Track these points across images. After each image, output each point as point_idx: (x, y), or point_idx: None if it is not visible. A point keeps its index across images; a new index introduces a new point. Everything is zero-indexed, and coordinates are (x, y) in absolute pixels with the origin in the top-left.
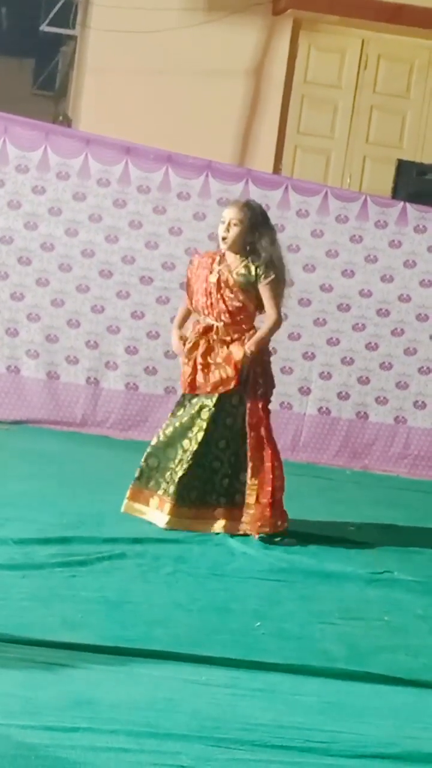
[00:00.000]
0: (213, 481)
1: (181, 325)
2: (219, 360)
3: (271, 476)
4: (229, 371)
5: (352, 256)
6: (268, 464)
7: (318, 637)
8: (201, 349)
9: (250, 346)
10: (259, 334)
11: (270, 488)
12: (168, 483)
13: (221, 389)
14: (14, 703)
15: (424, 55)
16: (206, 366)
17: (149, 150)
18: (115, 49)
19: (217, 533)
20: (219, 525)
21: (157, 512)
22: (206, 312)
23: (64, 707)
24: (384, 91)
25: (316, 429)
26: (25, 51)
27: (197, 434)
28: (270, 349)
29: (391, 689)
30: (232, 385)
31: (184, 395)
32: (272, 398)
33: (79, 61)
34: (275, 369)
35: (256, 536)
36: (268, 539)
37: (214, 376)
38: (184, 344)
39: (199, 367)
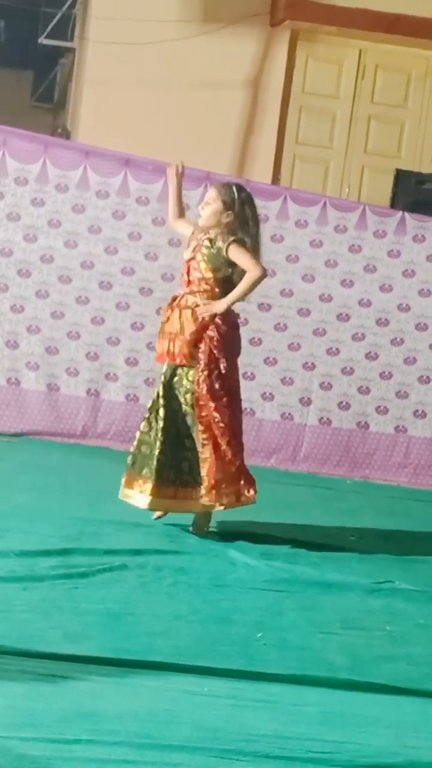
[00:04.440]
0: (181, 458)
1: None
2: (177, 330)
3: (214, 455)
4: (180, 343)
5: (351, 266)
6: (216, 441)
7: (319, 647)
8: (170, 320)
9: (217, 305)
10: (234, 292)
11: (215, 469)
12: (150, 465)
13: (182, 360)
14: (15, 716)
15: (422, 64)
16: (170, 335)
17: (148, 161)
18: (113, 61)
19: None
20: (190, 504)
21: (140, 495)
22: (182, 281)
23: (65, 719)
24: (382, 101)
25: (317, 439)
26: (24, 63)
27: (159, 410)
28: (237, 320)
29: (393, 699)
30: (184, 357)
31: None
32: (243, 376)
33: (78, 74)
34: (275, 379)
35: (219, 507)
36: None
37: (174, 346)
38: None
39: (167, 336)
